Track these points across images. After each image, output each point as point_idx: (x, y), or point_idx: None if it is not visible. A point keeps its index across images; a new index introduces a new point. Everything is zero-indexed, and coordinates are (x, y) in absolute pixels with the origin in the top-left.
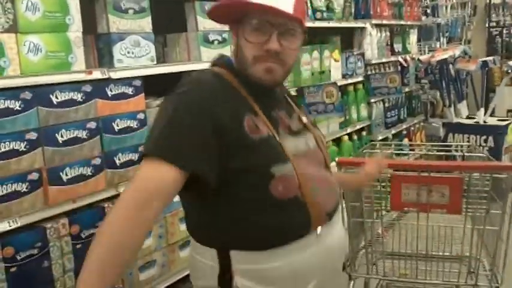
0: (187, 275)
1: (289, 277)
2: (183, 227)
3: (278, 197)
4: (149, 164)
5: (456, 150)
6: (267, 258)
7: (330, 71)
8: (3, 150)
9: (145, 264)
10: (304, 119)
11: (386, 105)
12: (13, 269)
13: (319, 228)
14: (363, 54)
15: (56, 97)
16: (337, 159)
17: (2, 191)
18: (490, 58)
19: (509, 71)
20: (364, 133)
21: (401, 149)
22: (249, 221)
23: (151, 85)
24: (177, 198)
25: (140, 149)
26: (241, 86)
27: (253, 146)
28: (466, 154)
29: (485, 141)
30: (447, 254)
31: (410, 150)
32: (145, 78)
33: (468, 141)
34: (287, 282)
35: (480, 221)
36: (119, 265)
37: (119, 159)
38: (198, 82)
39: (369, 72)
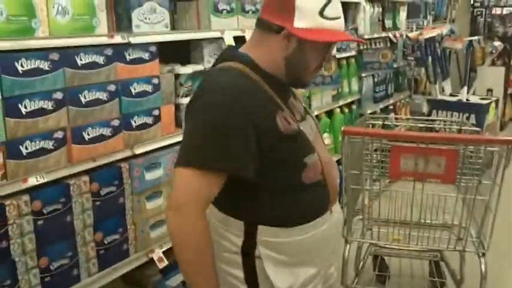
0: None
1: (306, 249)
2: None
3: (307, 182)
4: (193, 174)
5: (441, 125)
6: (289, 233)
7: None
8: (33, 108)
9: (156, 223)
10: (305, 106)
11: (376, 80)
12: (40, 222)
13: (333, 207)
14: (356, 29)
15: (81, 59)
16: (343, 128)
17: (31, 148)
18: (475, 38)
19: (493, 51)
20: (354, 106)
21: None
22: (280, 203)
23: (161, 51)
24: None
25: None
26: (265, 82)
27: (287, 140)
28: (462, 128)
29: (468, 118)
30: (438, 222)
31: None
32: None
33: (451, 119)
34: (303, 253)
35: (469, 192)
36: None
37: (135, 122)
38: (226, 90)
39: (362, 47)
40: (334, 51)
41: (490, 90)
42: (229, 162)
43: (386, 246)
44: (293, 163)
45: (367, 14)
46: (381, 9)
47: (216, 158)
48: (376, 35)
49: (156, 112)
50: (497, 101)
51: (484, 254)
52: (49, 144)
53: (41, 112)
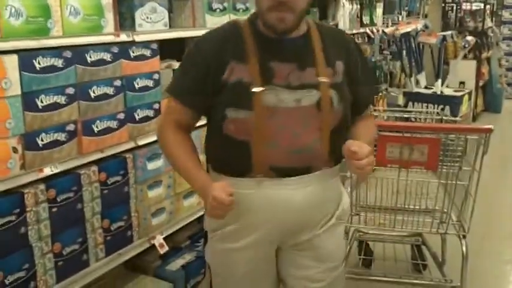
0: (191, 222)
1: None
2: None
3: (229, 135)
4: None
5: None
6: (218, 180)
7: None
8: (48, 102)
9: (157, 211)
10: (323, 78)
11: None
12: (54, 209)
13: (260, 177)
14: (336, 25)
15: (90, 56)
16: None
17: (46, 140)
18: (449, 33)
19: (466, 45)
20: None
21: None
22: (211, 147)
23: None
24: None
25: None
26: (251, 35)
27: (222, 88)
28: (444, 118)
29: (443, 109)
30: (421, 207)
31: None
32: None
33: (427, 110)
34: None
35: (450, 178)
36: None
37: (138, 115)
38: (210, 32)
39: None
40: None
41: (462, 83)
42: (179, 94)
43: (371, 232)
44: (218, 110)
45: (346, 10)
46: (359, 6)
47: (174, 89)
48: (355, 31)
49: (156, 106)
50: (470, 93)
51: (464, 236)
52: (62, 137)
53: (55, 106)
